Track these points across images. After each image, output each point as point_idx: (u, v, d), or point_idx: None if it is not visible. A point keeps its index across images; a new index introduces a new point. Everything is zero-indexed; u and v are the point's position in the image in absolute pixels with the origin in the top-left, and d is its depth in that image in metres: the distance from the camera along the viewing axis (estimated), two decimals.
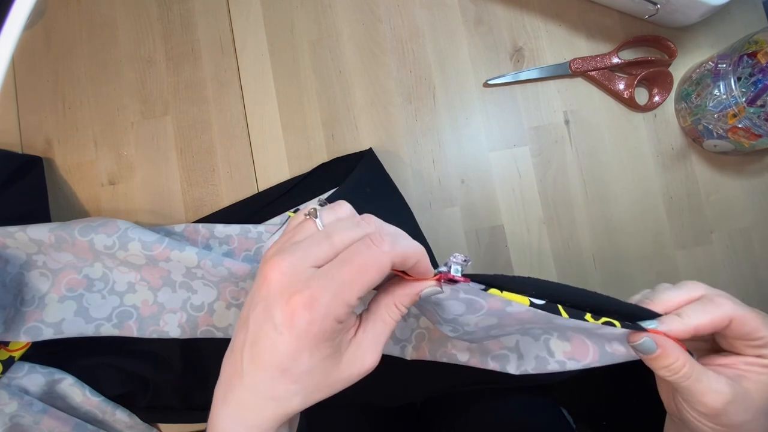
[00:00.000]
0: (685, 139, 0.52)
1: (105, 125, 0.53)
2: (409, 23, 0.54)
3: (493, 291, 0.27)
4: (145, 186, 0.53)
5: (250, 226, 0.49)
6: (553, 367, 0.38)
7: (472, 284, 0.27)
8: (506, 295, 0.27)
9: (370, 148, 0.51)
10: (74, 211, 0.52)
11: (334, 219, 0.26)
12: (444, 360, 0.45)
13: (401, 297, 0.26)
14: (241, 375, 0.25)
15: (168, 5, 0.54)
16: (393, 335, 0.46)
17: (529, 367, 0.40)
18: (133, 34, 0.54)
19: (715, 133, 0.48)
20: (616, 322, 0.28)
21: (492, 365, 0.43)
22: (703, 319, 0.27)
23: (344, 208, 0.27)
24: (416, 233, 0.50)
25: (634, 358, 0.32)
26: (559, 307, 0.28)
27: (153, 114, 0.53)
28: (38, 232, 0.45)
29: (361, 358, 0.25)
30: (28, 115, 0.53)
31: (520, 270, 0.52)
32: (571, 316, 0.27)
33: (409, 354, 0.47)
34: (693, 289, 0.29)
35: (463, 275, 0.27)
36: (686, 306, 0.28)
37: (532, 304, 0.27)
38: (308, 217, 0.26)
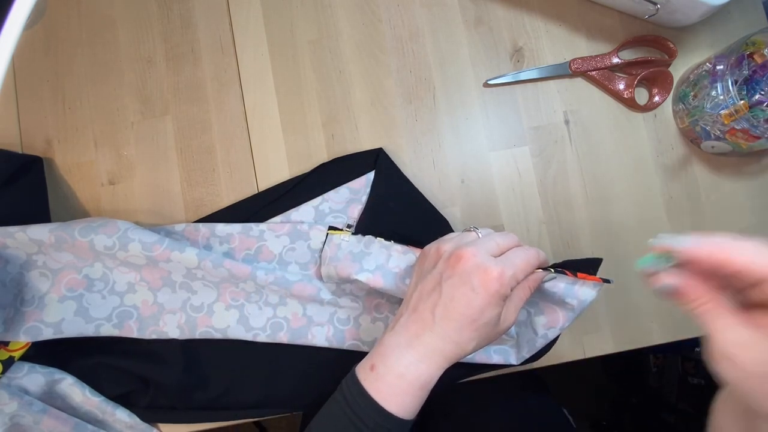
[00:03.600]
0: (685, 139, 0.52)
1: (105, 125, 0.53)
2: (409, 23, 0.54)
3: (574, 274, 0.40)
4: (145, 186, 0.53)
5: (252, 225, 0.49)
6: (540, 343, 0.44)
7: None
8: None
9: (381, 149, 0.51)
10: (74, 211, 0.52)
11: (488, 232, 0.39)
12: None
13: (531, 282, 0.38)
14: (432, 326, 0.35)
15: (168, 5, 0.54)
16: None
17: (524, 352, 0.46)
18: (133, 35, 0.54)
19: (712, 135, 0.48)
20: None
21: (496, 359, 0.47)
22: (700, 241, 0.27)
23: (489, 230, 0.40)
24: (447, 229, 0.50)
25: (582, 308, 0.40)
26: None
27: (153, 114, 0.53)
28: (38, 232, 0.45)
29: (508, 318, 0.37)
30: (28, 115, 0.53)
31: None
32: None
33: None
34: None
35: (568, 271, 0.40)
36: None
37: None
38: (471, 229, 0.40)
